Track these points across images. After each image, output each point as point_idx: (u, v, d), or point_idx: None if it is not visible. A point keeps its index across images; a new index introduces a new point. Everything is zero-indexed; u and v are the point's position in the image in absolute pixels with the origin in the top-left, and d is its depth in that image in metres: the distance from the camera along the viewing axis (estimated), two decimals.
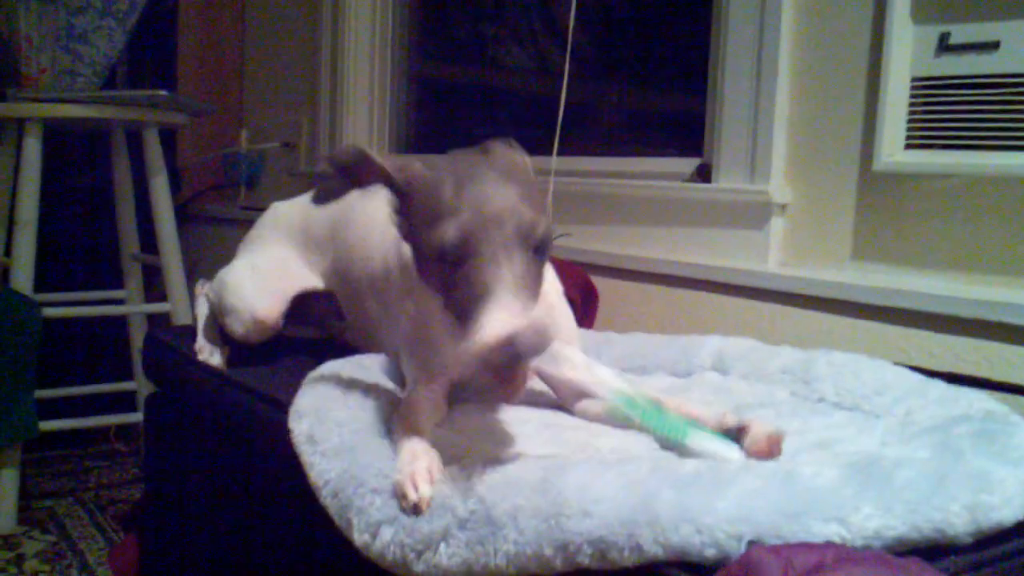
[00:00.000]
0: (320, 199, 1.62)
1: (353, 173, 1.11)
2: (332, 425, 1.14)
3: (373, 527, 0.97)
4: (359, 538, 0.98)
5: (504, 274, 0.97)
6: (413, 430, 1.06)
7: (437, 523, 0.93)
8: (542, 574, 0.87)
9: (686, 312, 1.89)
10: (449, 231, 0.99)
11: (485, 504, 0.91)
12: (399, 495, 0.96)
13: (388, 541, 0.95)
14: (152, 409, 1.81)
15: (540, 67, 2.87)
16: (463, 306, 0.99)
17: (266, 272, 1.63)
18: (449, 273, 1.01)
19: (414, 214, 1.07)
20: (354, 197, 1.55)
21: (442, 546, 0.92)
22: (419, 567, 0.92)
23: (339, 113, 3.08)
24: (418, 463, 0.98)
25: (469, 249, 0.99)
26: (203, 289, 1.73)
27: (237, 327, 1.59)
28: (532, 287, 1.00)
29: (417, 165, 1.09)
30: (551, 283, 1.36)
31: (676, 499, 0.83)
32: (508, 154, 1.11)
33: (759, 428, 1.06)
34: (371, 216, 1.47)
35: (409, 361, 1.28)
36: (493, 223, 0.99)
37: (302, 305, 1.63)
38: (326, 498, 1.06)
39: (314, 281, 1.62)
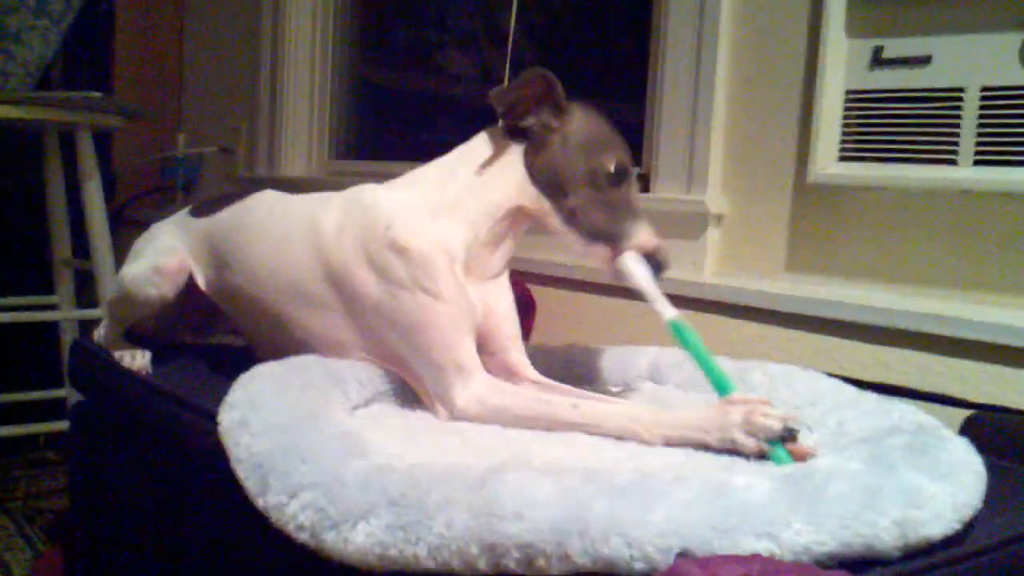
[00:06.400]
0: (198, 211, 1.58)
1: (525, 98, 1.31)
2: (266, 413, 1.09)
3: (293, 488, 0.93)
4: (273, 499, 0.94)
5: (640, 204, 1.31)
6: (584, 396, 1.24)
7: (365, 496, 0.89)
8: (462, 574, 0.84)
9: (623, 321, 1.89)
10: (618, 157, 1.29)
11: (420, 488, 0.88)
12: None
13: (306, 504, 0.91)
14: (78, 417, 1.76)
15: (482, 74, 2.86)
16: (602, 225, 1.27)
17: (156, 251, 1.55)
18: (596, 194, 1.28)
19: (570, 135, 1.30)
20: (234, 211, 1.51)
21: (362, 523, 0.88)
22: (329, 538, 0.89)
23: (278, 117, 3.05)
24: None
25: (623, 178, 1.28)
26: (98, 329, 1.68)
27: (149, 290, 1.51)
28: None
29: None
30: (508, 290, 1.39)
31: (608, 510, 0.82)
32: None
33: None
34: (290, 225, 1.43)
35: (435, 357, 1.26)
36: (632, 160, 1.32)
37: (201, 308, 1.59)
38: (247, 470, 1.00)
39: (199, 279, 1.55)
